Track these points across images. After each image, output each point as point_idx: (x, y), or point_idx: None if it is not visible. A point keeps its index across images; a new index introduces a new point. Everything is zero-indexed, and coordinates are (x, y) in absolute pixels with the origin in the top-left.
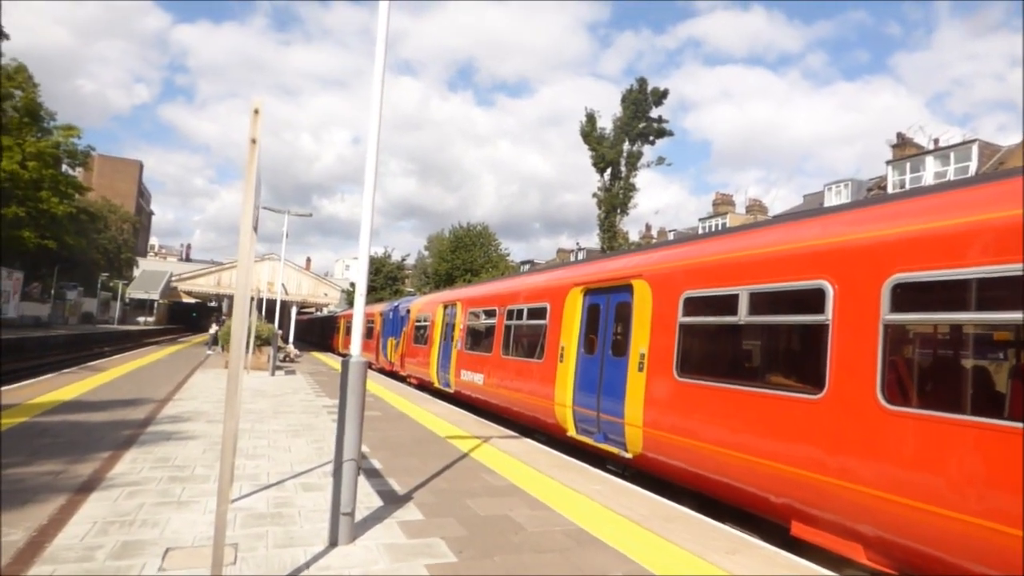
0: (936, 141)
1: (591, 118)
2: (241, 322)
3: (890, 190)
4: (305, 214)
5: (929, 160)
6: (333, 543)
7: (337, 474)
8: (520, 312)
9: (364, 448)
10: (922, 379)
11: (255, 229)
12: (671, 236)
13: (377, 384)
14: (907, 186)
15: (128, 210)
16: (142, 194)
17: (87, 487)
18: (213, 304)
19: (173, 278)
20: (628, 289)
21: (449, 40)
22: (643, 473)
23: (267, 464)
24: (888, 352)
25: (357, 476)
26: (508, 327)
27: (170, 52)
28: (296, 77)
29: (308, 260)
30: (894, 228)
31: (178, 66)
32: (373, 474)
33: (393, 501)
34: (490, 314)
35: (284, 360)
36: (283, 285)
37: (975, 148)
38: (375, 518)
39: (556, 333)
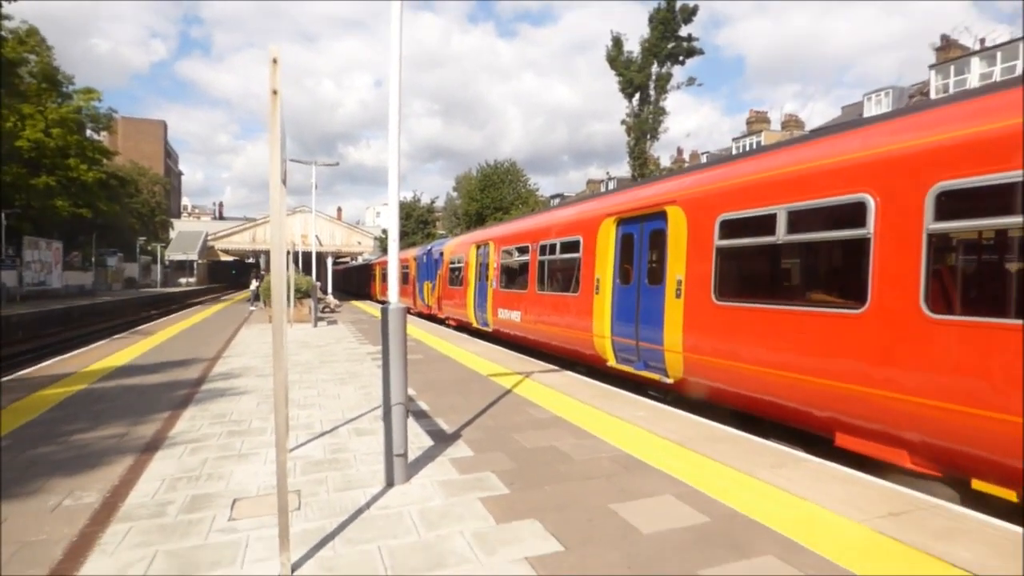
0: (982, 41)
1: (617, 42)
2: (280, 277)
3: (933, 95)
4: (332, 163)
5: (974, 62)
6: (390, 483)
7: (387, 418)
8: (553, 247)
9: (411, 391)
10: (966, 286)
11: (284, 182)
12: (704, 159)
13: (416, 328)
14: (951, 90)
15: (157, 172)
16: (169, 155)
17: (152, 447)
18: (251, 260)
19: (209, 237)
20: (662, 216)
21: None
22: (684, 398)
23: (319, 413)
24: (931, 262)
25: (406, 418)
26: (542, 263)
27: (183, 4)
28: (314, 21)
29: (339, 210)
30: (936, 135)
31: (192, 18)
32: (421, 415)
33: (443, 440)
34: (523, 251)
35: (324, 311)
36: (316, 237)
37: (1022, 46)
38: (427, 457)
39: (591, 265)
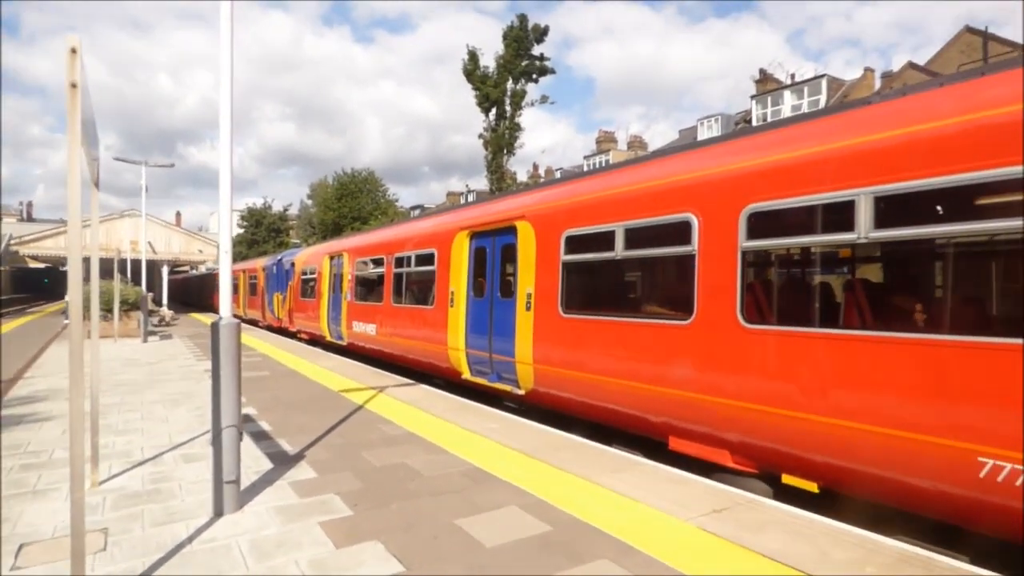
0: (792, 76)
1: (473, 56)
2: (76, 289)
3: (754, 123)
4: (167, 164)
5: (787, 94)
6: (219, 513)
7: (217, 442)
8: (408, 259)
9: (252, 410)
10: (774, 298)
11: (96, 184)
12: (558, 174)
13: (264, 342)
14: (768, 119)
15: None
16: None
17: None
18: (66, 268)
19: (13, 241)
20: (512, 231)
21: None
22: (537, 408)
23: (141, 439)
24: (745, 276)
25: (239, 441)
26: (398, 275)
27: None
28: (145, 9)
29: (178, 215)
30: (748, 161)
31: None
32: (262, 437)
33: (284, 462)
34: (378, 263)
35: (159, 324)
36: (149, 243)
37: (824, 83)
38: (265, 481)
39: (445, 278)
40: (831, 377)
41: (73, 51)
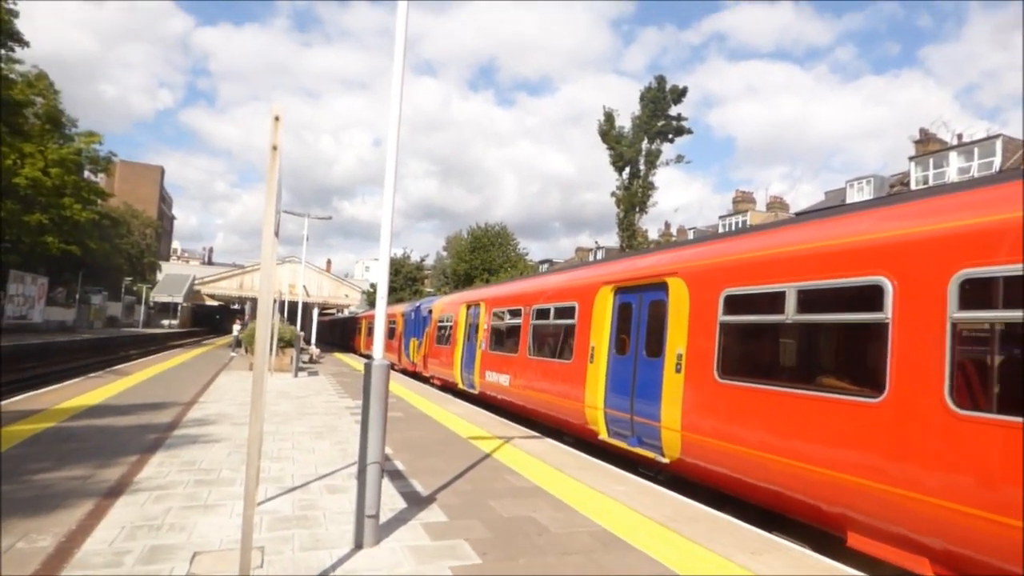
0: (960, 136)
1: (609, 117)
2: (265, 326)
3: (913, 187)
4: (325, 217)
5: (952, 156)
6: (358, 545)
7: (361, 477)
8: (547, 312)
9: (388, 449)
10: (996, 381)
11: (276, 234)
12: (691, 234)
13: (399, 385)
14: (930, 183)
15: (150, 215)
16: (164, 199)
17: (115, 492)
18: (236, 307)
19: (196, 281)
20: (662, 287)
21: (470, 39)
22: (680, 479)
23: (291, 466)
24: (956, 352)
25: (381, 479)
26: (534, 327)
27: (192, 56)
28: (316, 79)
29: (328, 262)
30: (961, 220)
31: (200, 70)
32: (396, 476)
33: (417, 503)
34: (515, 314)
35: (307, 362)
36: (304, 287)
37: (999, 144)
38: (399, 520)
39: (585, 333)
40: None
41: (276, 118)
